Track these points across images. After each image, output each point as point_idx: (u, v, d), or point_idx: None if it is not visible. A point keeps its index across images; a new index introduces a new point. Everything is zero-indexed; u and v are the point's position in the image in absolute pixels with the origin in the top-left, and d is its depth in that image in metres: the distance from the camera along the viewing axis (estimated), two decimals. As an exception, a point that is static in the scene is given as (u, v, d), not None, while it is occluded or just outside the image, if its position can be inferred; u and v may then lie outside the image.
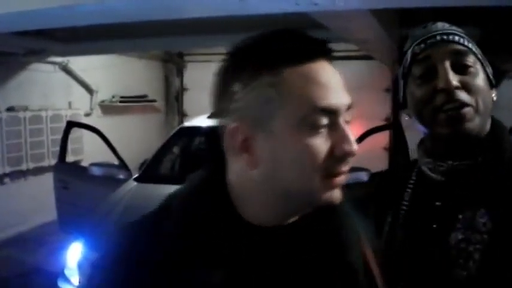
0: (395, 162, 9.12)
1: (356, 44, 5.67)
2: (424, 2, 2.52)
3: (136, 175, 4.77)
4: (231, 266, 0.85)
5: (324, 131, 0.85)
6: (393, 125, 8.18)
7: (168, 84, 11.37)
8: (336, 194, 0.90)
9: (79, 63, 7.93)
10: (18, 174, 7.08)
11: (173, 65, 11.29)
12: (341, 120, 0.86)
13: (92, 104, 8.68)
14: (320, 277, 0.92)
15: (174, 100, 11.42)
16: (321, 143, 0.85)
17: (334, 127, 0.86)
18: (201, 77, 10.82)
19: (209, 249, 0.86)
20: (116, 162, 5.15)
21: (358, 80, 9.97)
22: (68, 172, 5.35)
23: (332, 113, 0.85)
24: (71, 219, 5.02)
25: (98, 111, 8.84)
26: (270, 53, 0.86)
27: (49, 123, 7.41)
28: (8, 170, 6.81)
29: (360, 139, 4.71)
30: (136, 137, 9.22)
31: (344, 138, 0.85)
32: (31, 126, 7.09)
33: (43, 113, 7.33)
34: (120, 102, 9.21)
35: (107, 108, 9.04)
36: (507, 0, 2.53)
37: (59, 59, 7.49)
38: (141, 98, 9.90)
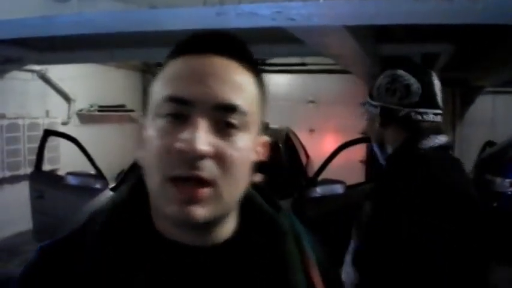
0: (370, 175, 9.24)
1: (332, 59, 5.74)
2: (397, 19, 2.59)
3: (113, 185, 4.75)
4: (151, 284, 0.77)
5: (171, 123, 0.75)
6: (369, 138, 8.26)
7: (146, 95, 11.33)
8: (184, 211, 0.74)
9: (57, 71, 7.88)
10: (-7, 183, 7.01)
11: (152, 75, 11.25)
12: (196, 115, 0.74)
13: (69, 112, 8.64)
14: None
15: (152, 110, 11.39)
16: (162, 136, 0.75)
17: (183, 121, 0.74)
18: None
19: (128, 268, 0.77)
20: (92, 171, 5.13)
21: (335, 94, 10.15)
22: (43, 181, 5.31)
23: (184, 104, 0.74)
24: (45, 229, 4.98)
25: (75, 120, 8.80)
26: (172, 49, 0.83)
27: (26, 132, 7.36)
28: (-17, 178, 6.73)
29: (336, 152, 4.77)
30: (113, 147, 9.17)
31: (186, 134, 0.73)
32: (8, 134, 7.03)
33: (20, 121, 7.28)
34: (98, 111, 9.17)
35: (85, 117, 9.00)
36: (479, 18, 2.61)
37: (36, 67, 7.45)
38: (119, 108, 9.87)
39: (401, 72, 1.75)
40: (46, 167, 6.48)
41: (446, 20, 2.74)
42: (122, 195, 0.87)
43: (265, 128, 0.88)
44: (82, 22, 2.70)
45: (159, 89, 0.78)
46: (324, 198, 4.34)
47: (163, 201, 0.75)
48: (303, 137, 8.12)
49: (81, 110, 8.90)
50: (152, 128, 0.77)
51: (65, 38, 3.84)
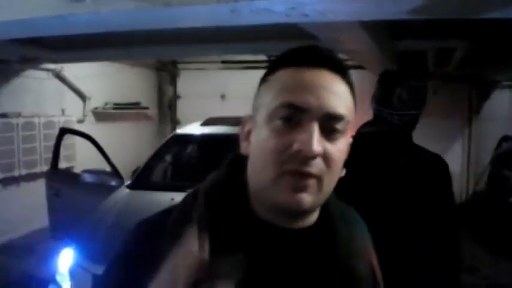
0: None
1: (347, 55, 5.71)
2: (413, 14, 2.56)
3: (128, 182, 4.78)
4: (249, 258, 0.88)
5: (285, 126, 0.87)
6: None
7: (161, 92, 11.40)
8: (295, 198, 0.88)
9: (72, 70, 7.94)
10: (10, 181, 7.07)
11: (166, 73, 11.33)
12: (309, 120, 0.87)
13: (84, 110, 8.69)
14: (322, 282, 0.95)
15: (167, 108, 11.45)
16: (279, 136, 0.87)
17: (299, 125, 0.87)
18: (195, 85, 11.01)
19: (230, 242, 0.88)
20: (108, 169, 5.16)
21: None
22: (59, 179, 5.35)
23: (299, 111, 0.87)
24: (62, 226, 5.01)
25: (90, 118, 8.85)
26: (276, 58, 0.96)
27: (42, 130, 7.41)
28: (0, 176, 6.81)
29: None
30: (128, 144, 9.23)
31: (303, 136, 0.86)
32: (24, 132, 7.08)
33: (36, 120, 7.34)
34: (113, 109, 9.22)
35: (100, 115, 9.05)
36: (495, 12, 2.57)
37: (52, 66, 7.51)
38: (134, 106, 9.92)
39: None
40: (62, 164, 6.55)
41: (460, 15, 2.71)
42: (220, 180, 1.00)
43: None
44: (97, 21, 2.70)
45: (274, 95, 0.90)
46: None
47: (278, 189, 0.88)
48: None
49: (96, 108, 8.95)
50: (266, 128, 0.90)
51: (80, 36, 3.86)
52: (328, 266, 0.95)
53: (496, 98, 9.45)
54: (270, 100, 0.91)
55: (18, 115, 7.06)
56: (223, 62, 10.09)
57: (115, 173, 5.04)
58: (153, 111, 10.86)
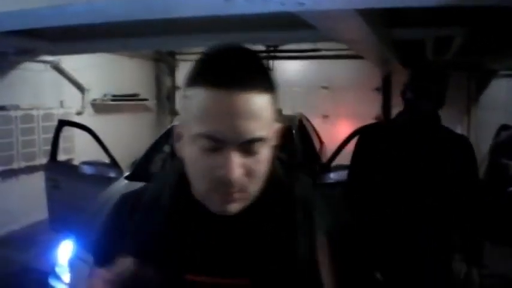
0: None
1: (345, 44, 5.70)
2: (410, 2, 2.56)
3: (127, 173, 4.79)
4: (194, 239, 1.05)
5: (209, 150, 0.96)
6: (382, 124, 8.25)
7: (159, 84, 11.39)
8: (224, 208, 1.00)
9: (70, 62, 7.93)
10: (9, 173, 7.08)
11: (165, 64, 11.31)
12: (228, 149, 0.95)
13: (83, 102, 8.68)
14: (261, 256, 1.03)
15: (166, 99, 11.45)
16: (205, 158, 0.97)
17: (219, 151, 0.95)
18: (193, 76, 10.98)
19: (183, 226, 1.06)
20: (107, 160, 5.17)
21: (349, 79, 10.07)
22: (58, 171, 5.37)
23: (217, 141, 0.94)
24: (61, 217, 5.02)
25: (89, 109, 8.84)
26: (194, 68, 1.00)
27: (40, 122, 7.41)
28: (-1, 168, 6.81)
29: (350, 138, 4.75)
30: (127, 136, 9.22)
31: (223, 163, 0.94)
32: (22, 125, 7.09)
33: (34, 112, 7.34)
34: (112, 100, 9.21)
35: (99, 107, 9.04)
36: (492, 0, 2.57)
37: (50, 58, 7.49)
38: (132, 97, 9.90)
39: None
40: (61, 157, 6.54)
41: (458, 2, 2.70)
42: (169, 178, 1.14)
43: (278, 115, 1.05)
44: (92, 11, 2.70)
45: (194, 120, 0.97)
46: (337, 183, 4.32)
47: (210, 200, 1.01)
48: (317, 123, 8.09)
49: (95, 100, 8.94)
50: (193, 145, 0.98)
51: (77, 28, 3.86)
52: (267, 242, 1.04)
53: (495, 87, 9.44)
54: (191, 123, 0.98)
55: (17, 108, 7.05)
56: (222, 52, 9.98)
57: (114, 164, 5.04)
58: (151, 103, 10.86)
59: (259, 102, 0.95)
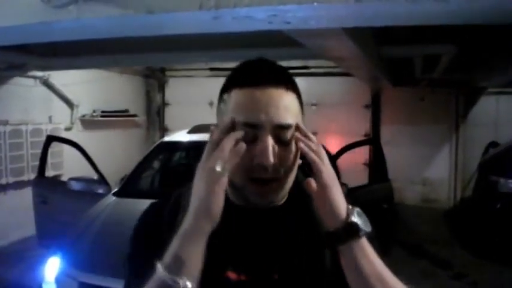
0: (374, 177, 9.24)
1: (333, 61, 5.73)
2: (396, 21, 2.58)
3: (115, 190, 4.77)
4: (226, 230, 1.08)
5: (246, 141, 1.07)
6: (372, 141, 8.29)
7: (149, 99, 11.40)
8: (263, 199, 1.13)
9: (60, 77, 7.94)
10: (-3, 189, 7.03)
11: (155, 80, 11.33)
12: (263, 135, 1.08)
13: (72, 118, 8.68)
14: (292, 247, 1.16)
15: (156, 115, 11.45)
16: (244, 154, 1.06)
17: (256, 140, 1.08)
18: (183, 92, 11.02)
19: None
20: (95, 177, 5.15)
21: (338, 96, 10.14)
22: (46, 186, 5.34)
23: (253, 127, 1.08)
24: (49, 233, 4.99)
25: (78, 125, 8.84)
26: (229, 77, 1.18)
27: (29, 138, 7.39)
28: (-13, 184, 6.76)
29: (339, 154, 4.77)
30: (117, 152, 9.21)
31: (260, 150, 1.07)
32: (11, 140, 7.06)
33: (23, 127, 7.32)
34: (101, 116, 9.20)
35: (88, 123, 9.03)
36: (480, 18, 2.60)
37: (39, 74, 7.50)
38: (122, 113, 9.90)
39: None
40: (50, 172, 6.54)
41: (445, 21, 2.72)
42: None
43: None
44: (80, 27, 2.70)
45: (233, 113, 1.11)
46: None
47: (248, 192, 1.12)
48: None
49: (84, 116, 8.94)
50: (231, 138, 1.06)
51: (67, 44, 3.86)
52: (297, 235, 1.18)
53: (483, 104, 9.53)
54: (228, 115, 1.11)
55: (6, 123, 7.03)
56: (211, 69, 10.08)
57: (102, 180, 5.03)
58: (141, 119, 10.85)
59: (287, 97, 1.12)
